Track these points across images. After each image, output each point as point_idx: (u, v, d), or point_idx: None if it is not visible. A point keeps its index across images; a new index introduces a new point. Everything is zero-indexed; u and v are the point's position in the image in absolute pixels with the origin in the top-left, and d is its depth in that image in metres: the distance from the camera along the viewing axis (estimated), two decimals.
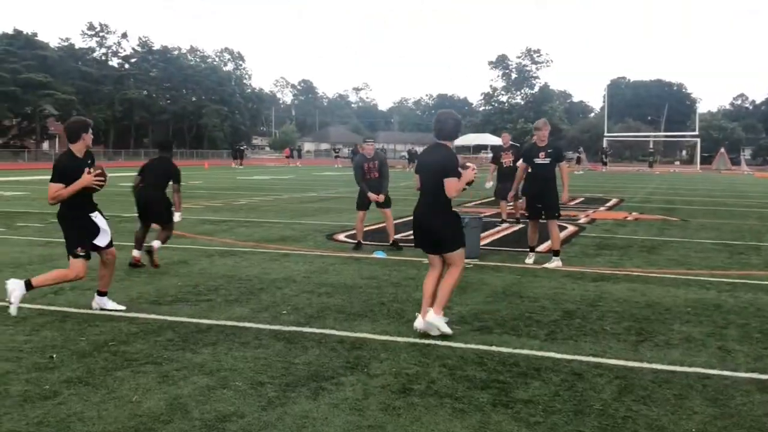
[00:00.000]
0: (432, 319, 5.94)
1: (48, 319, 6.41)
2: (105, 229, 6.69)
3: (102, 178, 6.49)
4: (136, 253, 9.26)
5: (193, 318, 6.50)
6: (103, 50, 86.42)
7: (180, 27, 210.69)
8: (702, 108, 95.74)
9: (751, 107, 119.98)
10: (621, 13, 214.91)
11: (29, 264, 9.22)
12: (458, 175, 5.95)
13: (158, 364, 5.14)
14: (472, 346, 5.74)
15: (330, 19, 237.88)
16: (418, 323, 6.07)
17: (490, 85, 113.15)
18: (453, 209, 6.16)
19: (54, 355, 5.29)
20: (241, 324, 6.31)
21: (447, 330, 5.96)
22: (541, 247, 10.66)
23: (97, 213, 6.70)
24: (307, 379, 4.85)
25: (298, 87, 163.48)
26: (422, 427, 4.09)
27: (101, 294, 6.84)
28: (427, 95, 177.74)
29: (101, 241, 6.66)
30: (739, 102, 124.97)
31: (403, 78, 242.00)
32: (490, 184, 15.27)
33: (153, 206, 9.39)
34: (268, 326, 6.25)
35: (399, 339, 5.90)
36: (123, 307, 6.79)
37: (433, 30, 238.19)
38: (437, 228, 6.09)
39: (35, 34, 77.98)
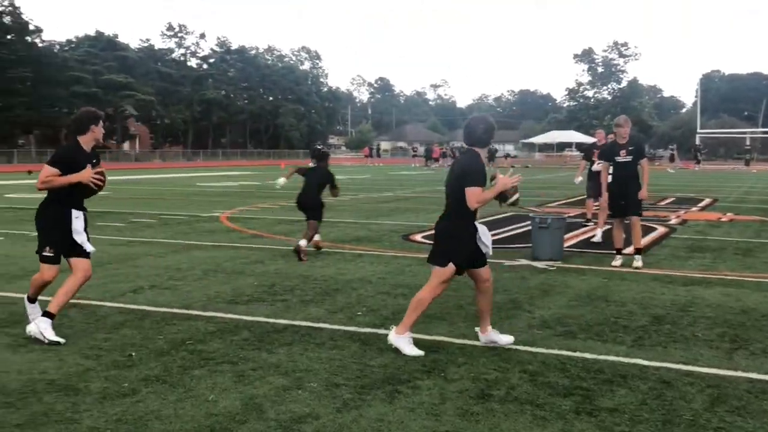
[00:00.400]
0: (391, 338, 5.61)
1: (127, 317, 6.61)
2: (79, 230, 5.91)
3: (102, 178, 5.91)
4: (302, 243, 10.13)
5: (269, 318, 6.61)
6: (182, 51, 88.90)
7: (258, 26, 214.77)
8: None
9: None
10: (715, 2, 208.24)
11: (110, 263, 9.54)
12: (481, 184, 5.46)
13: (234, 363, 5.24)
14: (555, 351, 5.65)
15: (409, 16, 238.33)
16: (481, 339, 5.84)
17: (576, 80, 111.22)
18: (464, 222, 5.60)
19: (133, 353, 5.46)
20: (316, 324, 6.38)
21: (410, 351, 5.49)
22: (628, 249, 10.42)
23: (80, 214, 5.95)
24: (383, 382, 4.86)
25: (375, 85, 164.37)
26: None
27: (47, 315, 5.84)
28: (508, 91, 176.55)
29: (78, 248, 5.94)
30: None
31: (482, 74, 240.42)
32: (579, 179, 15.18)
33: (312, 208, 10.74)
34: (343, 327, 6.30)
35: (477, 343, 5.85)
36: (62, 340, 5.73)
37: (515, 24, 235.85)
38: (435, 234, 5.82)
39: (116, 36, 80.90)
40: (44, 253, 5.88)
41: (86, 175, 5.79)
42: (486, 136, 5.69)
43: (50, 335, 5.72)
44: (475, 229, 5.61)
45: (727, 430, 4.14)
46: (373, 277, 8.60)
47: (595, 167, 12.41)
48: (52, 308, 5.84)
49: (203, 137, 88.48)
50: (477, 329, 5.89)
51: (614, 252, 9.84)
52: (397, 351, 5.59)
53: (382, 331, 6.15)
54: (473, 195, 5.42)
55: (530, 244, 10.49)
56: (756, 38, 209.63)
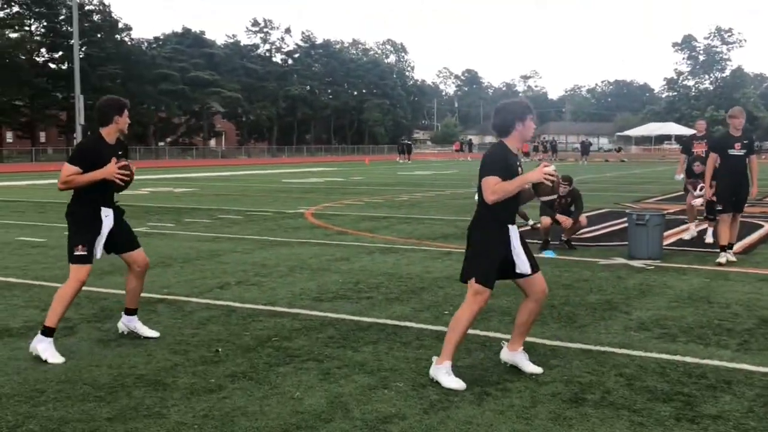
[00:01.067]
0: (431, 371, 4.91)
1: (214, 313, 6.78)
2: (103, 234, 5.65)
3: (127, 173, 5.52)
4: None
5: (353, 315, 6.66)
6: (267, 46, 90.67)
7: (343, 20, 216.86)
8: None
9: None
10: None
11: (197, 259, 9.80)
12: (500, 174, 4.74)
13: (320, 361, 5.31)
14: (653, 354, 5.50)
15: (498, 4, 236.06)
16: (503, 355, 5.27)
17: (675, 69, 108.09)
18: (488, 226, 4.90)
19: (219, 349, 5.59)
20: (402, 323, 6.40)
21: (450, 384, 4.75)
22: (736, 247, 10.10)
23: (110, 212, 5.69)
24: (471, 384, 4.83)
25: (462, 77, 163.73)
26: None
27: (131, 312, 5.98)
28: (603, 81, 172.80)
29: (118, 248, 5.87)
30: None
31: (576, 64, 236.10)
32: (680, 176, 14.66)
33: None
34: (429, 326, 6.30)
35: (570, 345, 5.76)
36: (156, 334, 5.94)
37: (609, 11, 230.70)
38: (467, 244, 5.07)
39: (203, 33, 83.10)
40: (78, 251, 5.48)
41: (110, 170, 5.43)
42: (506, 124, 4.89)
43: (51, 355, 5.33)
44: (508, 237, 4.89)
45: None
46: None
47: (697, 167, 11.88)
48: (48, 322, 5.41)
49: (288, 133, 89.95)
50: (504, 343, 5.34)
51: (719, 250, 9.53)
52: (484, 351, 5.56)
53: (469, 331, 6.10)
54: (488, 185, 4.73)
55: (627, 242, 10.24)
56: None
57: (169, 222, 14.19)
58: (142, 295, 6.52)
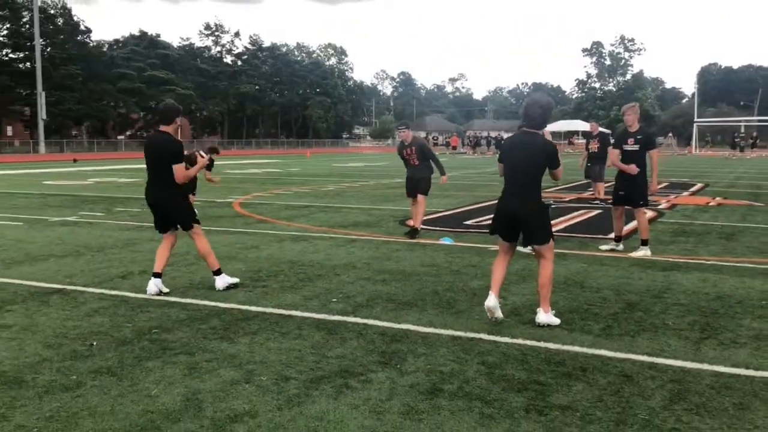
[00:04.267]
0: (543, 319, 5.50)
1: (105, 304, 6.16)
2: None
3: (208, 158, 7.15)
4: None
5: (243, 305, 6.12)
6: (219, 48, 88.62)
7: (287, 24, 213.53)
8: None
9: None
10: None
11: (112, 248, 9.13)
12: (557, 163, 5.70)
13: (191, 354, 4.76)
14: (519, 341, 5.10)
15: (428, 14, 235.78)
16: (489, 301, 5.52)
17: (586, 72, 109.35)
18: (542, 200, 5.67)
19: (94, 343, 5.00)
20: (287, 312, 5.88)
21: (557, 321, 5.54)
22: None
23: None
24: (335, 375, 4.35)
25: (397, 79, 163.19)
26: None
27: (157, 275, 6.58)
28: (522, 83, 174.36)
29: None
30: None
31: (497, 68, 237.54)
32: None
33: None
34: (313, 315, 5.80)
35: (443, 331, 5.32)
36: (166, 290, 6.55)
37: (529, 20, 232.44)
38: (532, 220, 5.59)
39: (158, 35, 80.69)
40: (197, 217, 6.80)
41: (203, 162, 7.57)
42: (543, 120, 5.62)
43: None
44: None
45: (682, 431, 3.58)
46: (359, 263, 8.08)
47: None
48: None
49: (238, 128, 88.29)
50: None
51: (611, 238, 9.23)
52: (359, 339, 5.09)
53: (351, 319, 5.65)
54: (560, 172, 5.77)
55: None
56: (748, 31, 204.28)
57: (100, 211, 13.38)
58: (39, 283, 6.66)
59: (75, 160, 41.12)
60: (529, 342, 5.08)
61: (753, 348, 4.96)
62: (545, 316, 5.52)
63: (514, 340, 5.11)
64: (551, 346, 5.00)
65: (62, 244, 9.40)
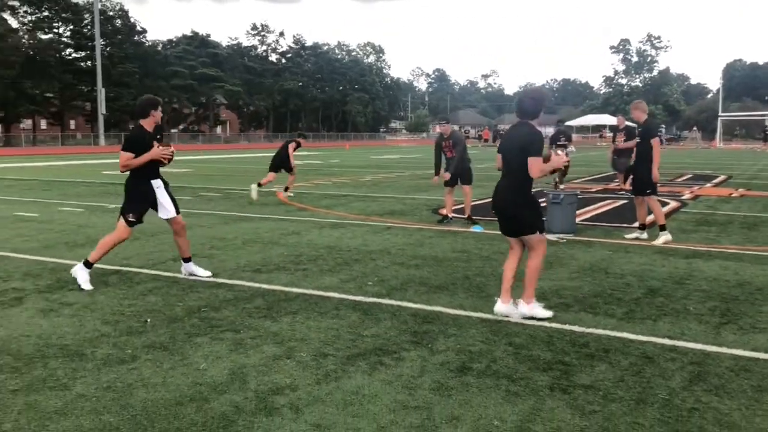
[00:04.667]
0: (524, 310, 5.13)
1: (158, 284, 6.27)
2: (163, 201, 6.37)
3: (168, 151, 6.26)
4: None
5: (285, 286, 6.18)
6: (264, 47, 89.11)
7: (324, 22, 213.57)
8: None
9: None
10: None
11: (164, 233, 9.23)
12: (541, 155, 5.04)
13: (237, 331, 4.82)
14: (545, 324, 5.06)
15: (462, 13, 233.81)
16: (498, 308, 5.24)
17: (614, 69, 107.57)
18: (533, 192, 5.19)
19: (148, 320, 5.10)
20: (326, 293, 5.92)
21: (544, 314, 5.14)
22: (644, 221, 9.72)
23: (160, 183, 6.37)
24: (370, 353, 4.37)
25: (432, 75, 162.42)
26: (470, 410, 3.52)
27: (186, 260, 6.59)
28: (551, 79, 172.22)
29: (162, 214, 6.41)
30: None
31: (529, 64, 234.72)
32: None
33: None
34: (350, 297, 5.83)
35: (472, 314, 5.31)
36: (209, 273, 6.56)
37: (559, 18, 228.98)
38: (515, 211, 5.18)
39: (209, 35, 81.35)
40: (128, 218, 6.22)
41: (155, 152, 6.16)
42: (535, 110, 5.22)
43: (84, 282, 6.11)
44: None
45: (701, 412, 3.52)
46: (394, 249, 8.09)
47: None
48: (92, 258, 6.21)
49: (282, 122, 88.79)
50: (496, 298, 5.37)
51: (635, 227, 9.14)
52: (392, 320, 5.10)
53: (385, 301, 5.67)
54: (536, 165, 5.00)
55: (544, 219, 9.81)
56: None
57: None
58: (99, 265, 6.55)
59: None
60: (555, 325, 5.04)
61: None
62: (527, 307, 5.13)
63: (541, 323, 5.07)
64: (576, 328, 4.95)
65: None
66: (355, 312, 5.34)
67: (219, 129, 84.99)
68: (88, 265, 6.17)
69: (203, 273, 6.56)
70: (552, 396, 3.71)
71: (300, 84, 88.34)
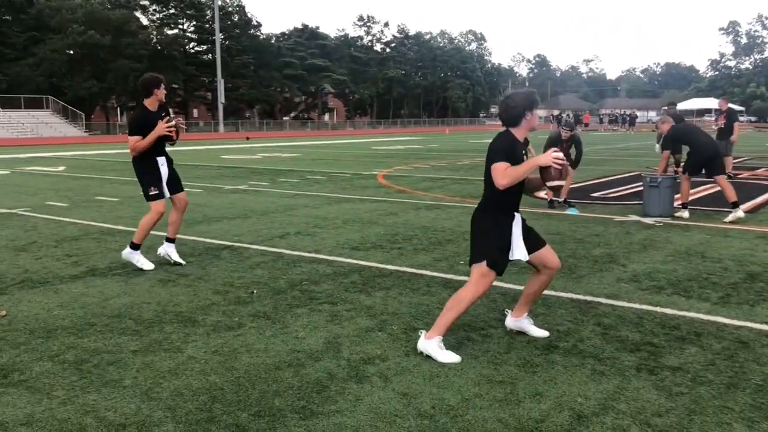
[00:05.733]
0: (421, 345, 3.91)
1: (265, 259, 6.49)
2: (163, 178, 6.10)
3: (171, 125, 5.89)
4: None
5: (380, 263, 6.25)
6: (369, 38, 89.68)
7: (432, 13, 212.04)
8: None
9: None
10: None
11: (274, 212, 9.57)
12: (508, 160, 3.79)
13: (334, 304, 4.94)
14: (635, 305, 4.87)
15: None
16: (508, 322, 4.37)
17: (719, 52, 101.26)
18: (496, 212, 3.97)
19: (254, 291, 5.30)
20: (419, 271, 5.94)
21: (442, 357, 3.82)
22: (746, 205, 9.21)
23: (164, 160, 6.11)
24: (458, 328, 4.36)
25: (533, 61, 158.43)
26: (554, 387, 3.45)
27: (170, 241, 6.25)
28: (654, 63, 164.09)
29: (168, 190, 6.14)
30: None
31: (631, 48, 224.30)
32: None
33: None
34: (441, 274, 5.82)
35: (562, 294, 5.18)
36: (182, 262, 6.21)
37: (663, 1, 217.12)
38: (472, 229, 4.10)
39: (318, 27, 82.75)
40: (151, 193, 6.03)
41: (160, 128, 5.87)
42: (513, 115, 3.90)
43: (139, 261, 6.09)
44: (512, 223, 4.00)
45: None
46: None
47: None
48: (136, 239, 6.10)
49: (386, 109, 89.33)
50: (507, 311, 4.45)
51: (729, 209, 8.81)
52: (481, 299, 5.05)
53: None
54: (498, 170, 3.77)
55: (641, 202, 9.41)
56: None
57: (266, 181, 14.06)
58: (213, 240, 6.80)
59: (248, 138, 43.32)
60: (645, 306, 4.84)
61: None
62: (426, 342, 3.88)
63: (631, 304, 4.89)
64: (668, 311, 4.73)
65: (233, 208, 9.98)
66: (445, 289, 5.34)
67: (327, 116, 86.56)
68: (134, 247, 6.07)
69: (178, 259, 6.23)
70: (638, 376, 3.58)
71: (403, 72, 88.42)
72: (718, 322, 4.47)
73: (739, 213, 8.52)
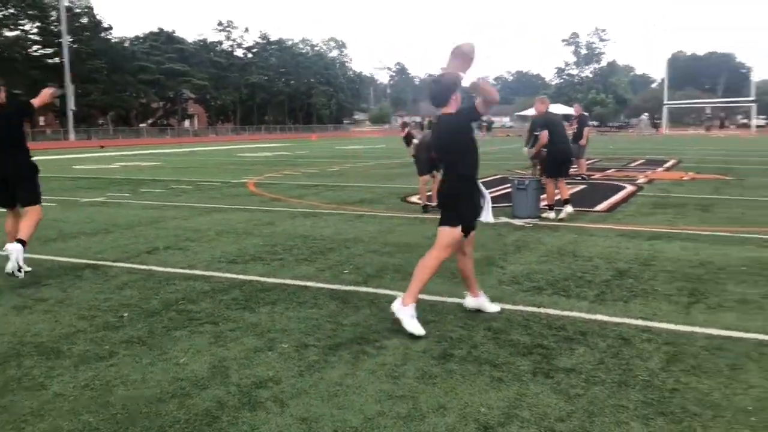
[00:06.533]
0: (395, 309, 4.38)
1: (134, 278, 5.98)
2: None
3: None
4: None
5: (262, 277, 5.95)
6: (230, 42, 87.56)
7: (293, 20, 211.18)
8: (756, 76, 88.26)
9: None
10: None
11: (138, 225, 8.93)
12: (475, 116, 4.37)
13: (216, 323, 4.59)
14: (521, 307, 4.94)
15: (417, 9, 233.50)
16: (469, 302, 4.85)
17: (564, 61, 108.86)
18: (456, 181, 4.53)
19: (125, 314, 4.83)
20: (303, 283, 5.71)
21: (412, 329, 4.26)
22: (603, 205, 9.73)
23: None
24: (351, 342, 4.19)
25: (393, 69, 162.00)
26: (456, 398, 3.37)
27: (21, 242, 5.94)
28: (507, 72, 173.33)
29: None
30: None
31: (484, 57, 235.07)
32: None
33: None
34: (327, 285, 5.63)
35: (449, 299, 5.17)
36: (29, 269, 6.01)
37: (511, 13, 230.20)
38: (440, 196, 4.67)
39: (174, 32, 79.65)
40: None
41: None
42: (443, 95, 4.43)
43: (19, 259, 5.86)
44: (476, 190, 4.58)
45: (682, 392, 3.43)
46: (366, 236, 7.91)
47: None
48: (22, 236, 5.99)
49: (249, 115, 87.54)
50: (467, 293, 4.85)
51: (597, 211, 9.35)
52: (371, 308, 4.92)
53: (362, 289, 5.49)
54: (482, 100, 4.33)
55: (510, 204, 9.73)
56: (712, 20, 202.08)
57: (126, 192, 13.17)
58: (72, 259, 6.50)
59: (102, 147, 40.77)
60: (530, 308, 4.92)
61: (739, 312, 4.80)
62: (402, 308, 4.34)
63: (516, 307, 4.95)
64: (551, 311, 4.84)
65: (92, 223, 9.21)
66: (333, 301, 5.15)
67: (187, 123, 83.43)
68: (21, 243, 5.90)
69: (21, 264, 5.87)
70: (535, 381, 3.58)
71: (266, 78, 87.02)
72: (599, 320, 4.62)
73: (569, 209, 9.22)
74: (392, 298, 5.12)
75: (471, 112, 4.39)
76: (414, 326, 4.29)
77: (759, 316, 4.67)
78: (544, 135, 9.34)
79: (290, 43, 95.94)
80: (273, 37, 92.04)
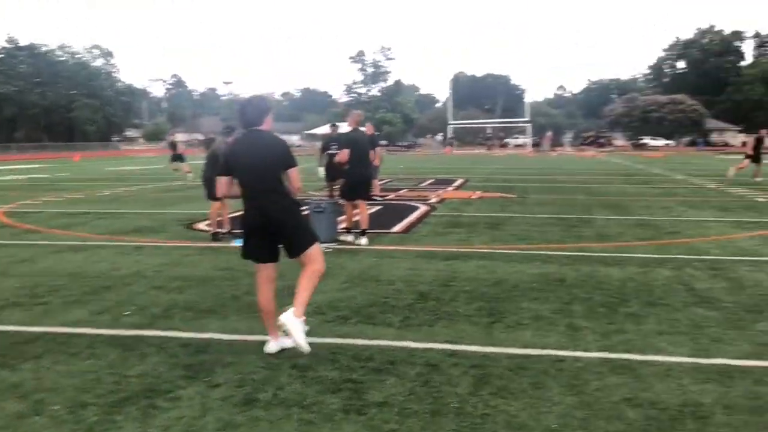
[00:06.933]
0: (286, 319, 4.44)
1: None
2: None
3: None
4: None
5: (21, 326, 5.33)
6: None
7: (49, 25, 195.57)
8: (529, 98, 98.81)
9: (570, 95, 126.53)
10: (459, 13, 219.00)
11: None
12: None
13: None
14: (327, 340, 4.95)
15: (195, 19, 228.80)
16: (270, 347, 4.69)
17: (353, 80, 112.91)
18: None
19: None
20: (75, 330, 5.21)
21: (303, 344, 4.40)
22: (400, 226, 10.13)
23: None
24: (140, 395, 3.89)
25: (169, 82, 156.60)
26: None
27: None
28: (294, 89, 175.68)
29: None
30: (560, 92, 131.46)
31: (269, 72, 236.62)
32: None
33: None
34: (106, 331, 5.20)
35: (249, 337, 5.02)
36: None
37: (298, 25, 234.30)
38: (289, 224, 4.73)
39: None
40: None
41: None
42: (258, 115, 4.73)
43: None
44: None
45: (492, 416, 3.63)
46: (149, 271, 7.45)
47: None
48: None
49: None
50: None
51: (394, 232, 9.61)
52: (160, 354, 4.62)
53: (148, 332, 5.15)
54: (297, 175, 4.79)
55: None
56: (489, 43, 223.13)
57: None
58: None
59: None
60: (336, 340, 4.95)
61: (535, 328, 5.24)
62: (295, 320, 4.46)
63: (322, 339, 4.94)
64: (358, 342, 4.90)
65: None
66: (114, 349, 4.76)
67: None
68: None
69: None
70: (347, 419, 3.59)
71: (15, 88, 79.45)
72: (407, 347, 4.78)
73: (363, 240, 9.22)
74: (184, 341, 4.89)
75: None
76: (304, 341, 4.42)
77: (552, 332, 5.14)
78: (344, 153, 9.39)
79: (45, 49, 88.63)
80: (22, 42, 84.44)
